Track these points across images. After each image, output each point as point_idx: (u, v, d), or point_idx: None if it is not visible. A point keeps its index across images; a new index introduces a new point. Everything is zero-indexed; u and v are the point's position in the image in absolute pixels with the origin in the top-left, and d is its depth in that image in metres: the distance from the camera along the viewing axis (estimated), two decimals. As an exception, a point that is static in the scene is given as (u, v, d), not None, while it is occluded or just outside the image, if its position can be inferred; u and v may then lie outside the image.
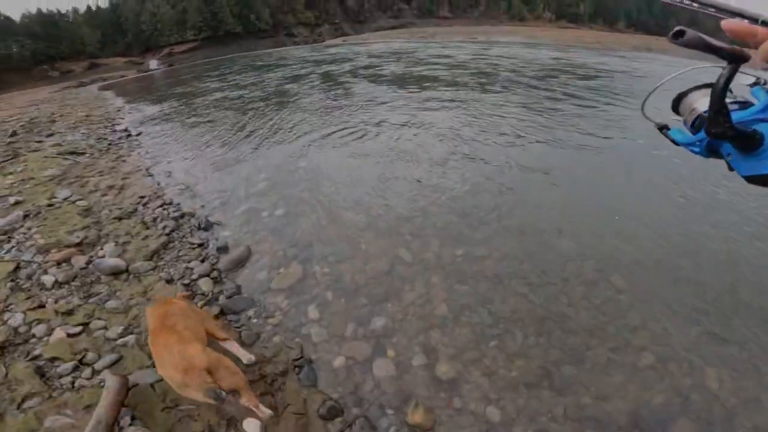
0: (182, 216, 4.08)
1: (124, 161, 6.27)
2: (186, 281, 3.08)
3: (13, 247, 3.60)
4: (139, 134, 8.47)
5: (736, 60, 0.38)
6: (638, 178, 4.43)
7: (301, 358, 2.37)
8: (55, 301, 2.86)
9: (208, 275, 3.15)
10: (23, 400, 2.06)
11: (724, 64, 0.39)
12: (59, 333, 2.52)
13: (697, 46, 0.37)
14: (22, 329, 2.58)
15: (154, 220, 4.00)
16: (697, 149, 0.45)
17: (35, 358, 2.35)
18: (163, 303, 2.08)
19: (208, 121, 9.02)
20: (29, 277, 3.14)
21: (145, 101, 14.55)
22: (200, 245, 3.58)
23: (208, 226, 3.88)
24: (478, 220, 3.64)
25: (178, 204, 4.36)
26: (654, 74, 12.90)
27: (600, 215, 3.69)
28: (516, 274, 2.92)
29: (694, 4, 0.46)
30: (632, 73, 13.30)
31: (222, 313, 2.75)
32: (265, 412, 1.84)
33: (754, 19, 0.39)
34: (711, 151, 0.45)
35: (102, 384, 2.10)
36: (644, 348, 2.30)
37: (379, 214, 3.84)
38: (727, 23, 0.39)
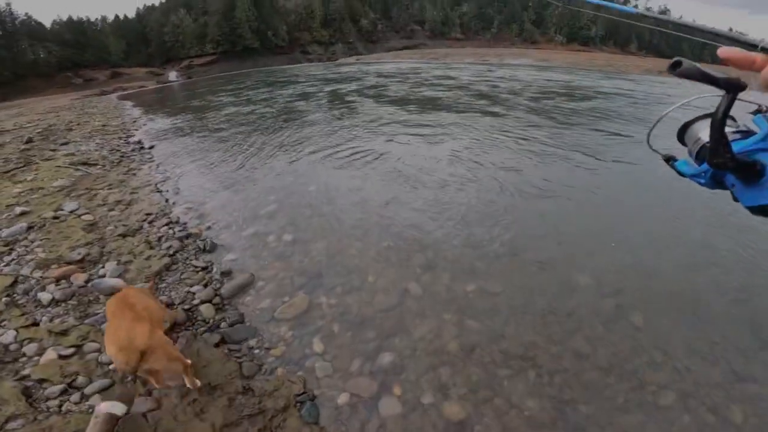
0: (188, 236, 3.99)
1: (134, 175, 6.26)
2: (186, 306, 2.96)
3: (13, 259, 3.53)
4: (151, 147, 8.53)
5: (732, 89, 0.38)
6: (660, 209, 4.32)
7: (304, 393, 2.24)
8: (50, 320, 2.76)
9: (210, 301, 3.03)
10: (6, 421, 1.96)
11: (723, 93, 0.39)
12: (51, 354, 2.43)
13: (693, 77, 0.38)
14: (12, 347, 2.49)
15: (159, 239, 3.91)
16: (702, 180, 0.45)
17: (23, 378, 2.26)
18: (127, 288, 2.23)
19: (221, 137, 9.08)
20: (26, 293, 3.06)
21: (161, 113, 14.82)
22: (204, 269, 3.47)
23: (213, 249, 3.78)
24: (492, 253, 3.53)
25: (185, 224, 4.28)
26: (667, 99, 12.85)
27: (620, 250, 3.57)
28: (530, 310, 2.81)
29: (695, 32, 0.46)
30: (647, 96, 13.27)
31: (222, 341, 2.63)
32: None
33: (752, 46, 0.39)
34: (716, 181, 0.44)
35: (90, 410, 2.00)
36: (665, 386, 2.23)
37: (390, 245, 3.72)
38: (723, 51, 0.39)
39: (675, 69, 0.39)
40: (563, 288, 3.05)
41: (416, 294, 3.03)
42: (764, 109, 0.44)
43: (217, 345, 2.58)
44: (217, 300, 3.05)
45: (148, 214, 4.51)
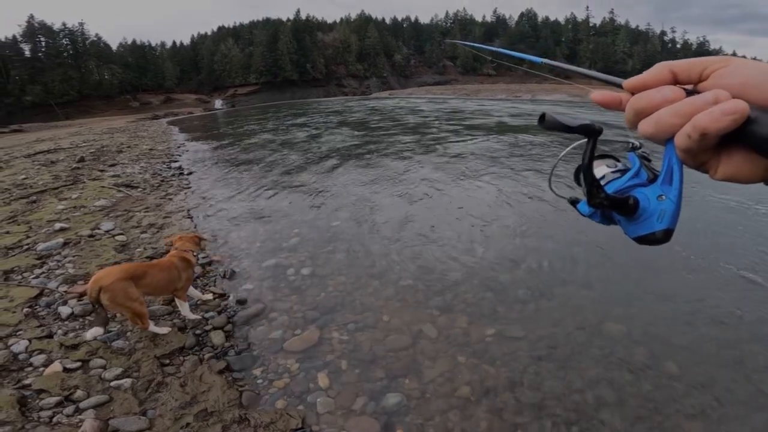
0: (210, 263, 4.08)
1: (170, 199, 6.57)
2: (198, 331, 2.98)
3: (43, 273, 3.72)
4: (190, 173, 9.01)
5: (590, 135, 0.41)
6: (700, 253, 4.05)
7: (301, 428, 2.16)
8: (64, 333, 2.84)
9: (221, 328, 3.04)
10: None
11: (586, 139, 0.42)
12: (56, 366, 2.47)
13: (556, 128, 0.40)
14: (21, 356, 2.55)
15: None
16: (597, 219, 0.47)
17: (23, 387, 2.29)
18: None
19: (255, 167, 9.49)
20: (48, 306, 3.18)
21: (204, 140, 15.77)
22: (221, 295, 3.51)
23: (232, 277, 3.83)
24: (515, 298, 3.37)
25: (209, 250, 4.39)
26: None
27: (656, 296, 3.36)
28: (552, 358, 2.65)
29: (576, 75, 0.51)
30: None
31: (227, 368, 2.61)
32: (162, 330, 2.87)
33: (618, 86, 0.40)
34: (608, 218, 0.46)
35: (80, 424, 2.00)
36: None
37: (407, 284, 3.63)
38: (595, 96, 0.40)
39: (541, 123, 0.41)
40: (590, 335, 2.88)
41: (431, 336, 2.93)
42: (638, 145, 0.47)
43: (221, 372, 2.55)
44: (228, 327, 3.06)
45: (177, 239, 4.68)
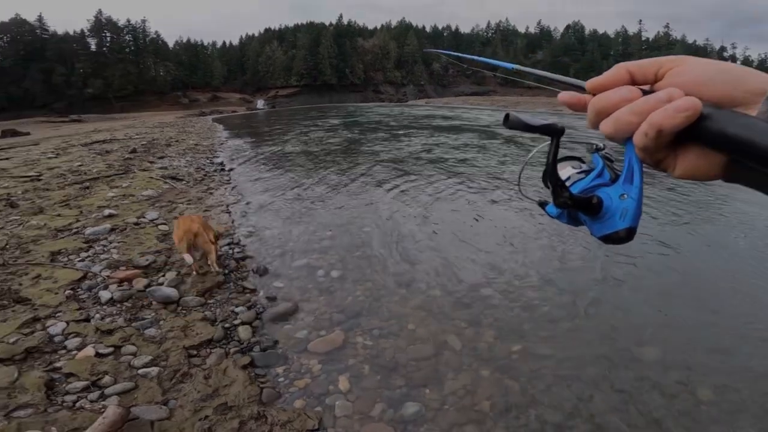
0: (244, 258, 4.19)
1: (211, 194, 6.86)
2: (227, 325, 3.05)
3: (88, 256, 3.89)
4: (231, 170, 9.37)
5: (552, 134, 0.42)
6: (748, 276, 3.87)
7: (317, 430, 2.15)
8: (101, 318, 2.92)
9: (250, 323, 3.09)
10: (15, 408, 1.99)
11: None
12: (89, 350, 2.52)
13: (519, 127, 0.42)
14: (57, 339, 2.62)
15: (219, 257, 4.16)
16: (564, 220, 0.47)
17: (53, 369, 2.34)
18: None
19: (293, 167, 9.75)
20: (90, 289, 3.29)
21: (245, 138, 16.40)
22: (252, 291, 3.59)
23: (264, 273, 3.92)
24: (545, 316, 3.26)
25: (244, 246, 4.52)
26: None
27: (697, 321, 3.21)
28: (579, 378, 2.55)
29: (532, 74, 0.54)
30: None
31: (251, 364, 2.64)
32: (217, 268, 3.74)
33: (581, 88, 0.41)
34: (574, 219, 0.46)
35: (102, 410, 2.02)
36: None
37: (435, 295, 3.58)
38: (561, 97, 0.41)
39: (505, 122, 0.42)
40: (621, 358, 2.77)
41: (455, 348, 2.88)
42: (602, 147, 0.48)
43: (244, 367, 2.58)
44: (256, 323, 3.11)
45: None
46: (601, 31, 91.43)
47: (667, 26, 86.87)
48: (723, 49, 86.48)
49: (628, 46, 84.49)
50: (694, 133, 0.32)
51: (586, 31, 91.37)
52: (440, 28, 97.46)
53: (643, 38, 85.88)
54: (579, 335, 3.03)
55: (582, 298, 3.52)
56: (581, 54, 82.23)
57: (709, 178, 0.35)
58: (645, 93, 0.35)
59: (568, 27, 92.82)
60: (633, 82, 0.37)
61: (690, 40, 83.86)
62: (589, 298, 3.54)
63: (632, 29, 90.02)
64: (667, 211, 5.86)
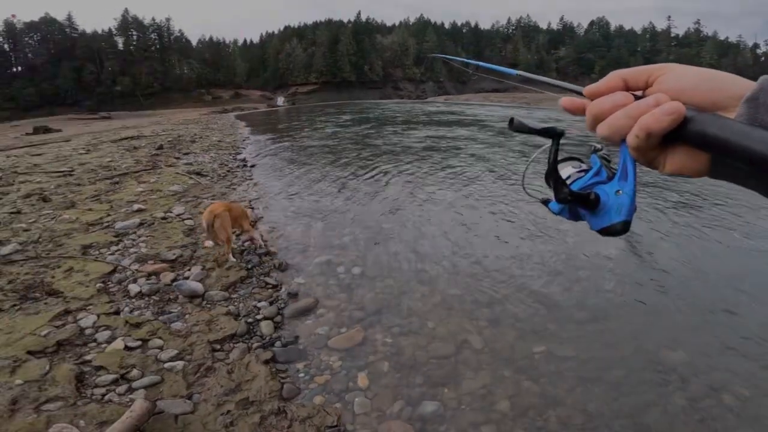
0: (266, 254, 4.26)
1: (234, 189, 7.00)
2: (250, 320, 3.10)
3: (118, 250, 4.02)
4: (253, 166, 9.53)
5: (553, 137, 0.46)
6: None
7: (336, 426, 2.16)
8: (130, 311, 3.00)
9: (272, 318, 3.14)
10: (46, 401, 2.03)
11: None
12: (118, 343, 2.56)
13: (523, 131, 0.46)
14: (88, 331, 2.66)
15: (242, 252, 4.25)
16: (566, 215, 0.51)
17: (84, 362, 2.38)
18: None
19: (314, 163, 9.83)
20: (120, 282, 3.39)
21: (267, 134, 16.64)
22: (274, 286, 3.65)
23: (285, 269, 3.97)
24: (569, 318, 3.21)
25: (266, 241, 4.57)
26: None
27: (726, 326, 3.12)
28: (601, 379, 2.52)
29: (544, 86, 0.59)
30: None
31: (273, 359, 2.68)
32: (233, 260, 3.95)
33: (579, 93, 0.43)
34: (575, 215, 0.49)
35: (129, 404, 2.06)
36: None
37: (456, 293, 3.55)
38: (563, 102, 0.44)
39: (510, 125, 0.46)
40: (646, 361, 2.72)
41: (476, 347, 2.86)
42: (599, 148, 0.52)
43: (266, 362, 2.61)
44: (278, 318, 3.16)
45: (237, 228, 4.96)
46: (627, 28, 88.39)
47: (697, 22, 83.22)
48: (756, 46, 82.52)
49: (656, 43, 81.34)
50: (680, 134, 0.35)
51: (612, 27, 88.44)
52: (459, 24, 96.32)
53: (672, 34, 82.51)
54: (602, 337, 2.98)
55: (606, 301, 3.45)
56: (607, 50, 79.66)
57: (696, 174, 0.38)
58: (637, 98, 0.38)
59: (592, 23, 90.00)
60: (627, 88, 0.40)
61: (722, 37, 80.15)
62: (613, 300, 3.47)
63: (660, 26, 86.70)
64: (698, 216, 5.64)
